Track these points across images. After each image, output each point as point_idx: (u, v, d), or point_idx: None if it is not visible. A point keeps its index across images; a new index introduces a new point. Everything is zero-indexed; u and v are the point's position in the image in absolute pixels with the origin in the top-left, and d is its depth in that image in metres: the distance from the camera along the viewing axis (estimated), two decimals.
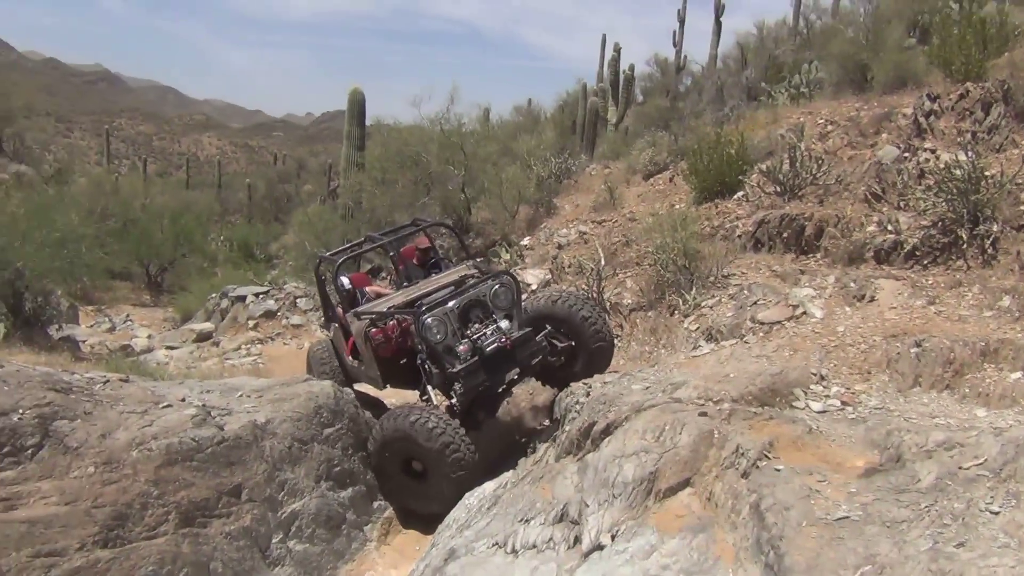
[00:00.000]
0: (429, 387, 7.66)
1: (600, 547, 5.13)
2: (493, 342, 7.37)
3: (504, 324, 7.60)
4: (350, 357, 8.70)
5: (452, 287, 8.03)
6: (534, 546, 5.46)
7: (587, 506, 5.45)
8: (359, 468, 7.38)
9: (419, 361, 7.65)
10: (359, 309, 8.23)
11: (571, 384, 7.50)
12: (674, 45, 36.36)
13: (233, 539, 5.66)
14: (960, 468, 4.82)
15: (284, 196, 52.28)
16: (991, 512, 4.21)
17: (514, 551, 5.47)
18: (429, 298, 7.77)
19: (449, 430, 6.95)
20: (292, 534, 6.21)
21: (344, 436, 7.35)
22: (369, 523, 7.18)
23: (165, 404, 6.32)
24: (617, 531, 5.21)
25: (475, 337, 7.45)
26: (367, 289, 9.06)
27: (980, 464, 4.79)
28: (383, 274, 17.13)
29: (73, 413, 5.76)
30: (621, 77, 31.45)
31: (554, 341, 7.97)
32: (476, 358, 7.31)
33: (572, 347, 8.04)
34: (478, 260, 9.53)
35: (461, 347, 7.35)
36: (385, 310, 7.91)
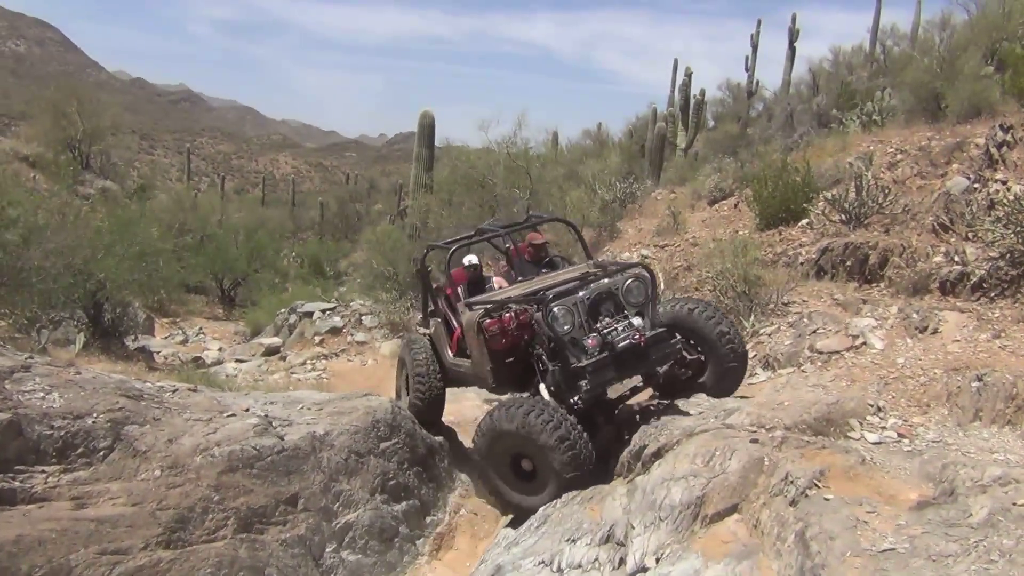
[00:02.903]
0: (542, 386, 7.12)
1: (644, 569, 5.17)
2: (625, 338, 6.85)
3: (637, 321, 7.10)
4: (451, 354, 8.30)
5: (577, 281, 7.42)
6: (579, 566, 5.52)
7: (633, 528, 5.49)
8: (414, 482, 7.52)
9: (534, 357, 7.22)
10: (473, 299, 7.81)
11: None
12: (746, 70, 36.27)
13: (288, 546, 5.84)
14: (1014, 504, 4.74)
15: (355, 215, 53.45)
16: None
17: (560, 570, 5.54)
18: (555, 288, 7.22)
19: (566, 425, 6.42)
20: (345, 544, 6.36)
21: (400, 450, 7.50)
22: (421, 537, 7.30)
23: (229, 413, 6.58)
24: (662, 554, 5.24)
25: (605, 331, 6.95)
26: (494, 279, 8.76)
27: None
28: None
29: (143, 419, 6.03)
30: (692, 102, 31.43)
31: (684, 353, 7.44)
32: (606, 354, 6.82)
33: (702, 362, 7.57)
34: (600, 260, 8.87)
35: (589, 341, 6.84)
36: (503, 300, 7.45)
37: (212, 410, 6.56)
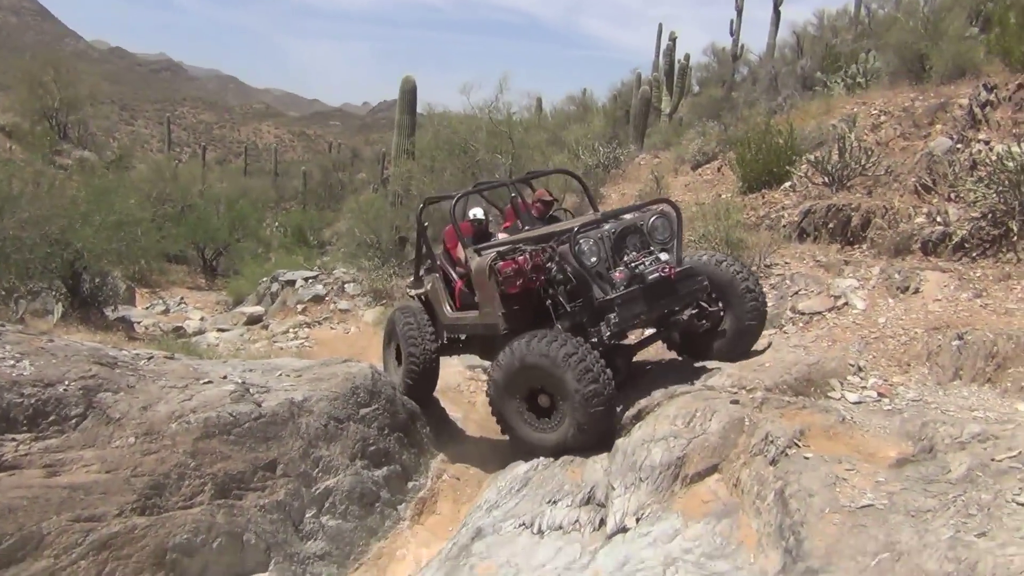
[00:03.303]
0: (558, 327, 6.80)
1: (624, 529, 5.16)
2: (654, 271, 6.60)
3: (664, 256, 6.86)
4: (450, 310, 7.99)
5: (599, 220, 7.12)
6: (560, 527, 5.50)
7: (613, 489, 5.48)
8: (395, 448, 7.48)
9: (551, 300, 6.86)
10: (481, 246, 7.59)
11: None
12: (731, 35, 35.97)
13: (267, 512, 5.79)
14: (992, 460, 4.74)
15: (338, 184, 53.08)
16: (1018, 503, 4.13)
17: (540, 531, 5.52)
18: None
19: (590, 358, 6.15)
20: (326, 510, 6.33)
21: (380, 416, 7.44)
22: (403, 503, 7.27)
23: (206, 380, 6.50)
24: (642, 514, 5.23)
25: (633, 265, 6.70)
26: (499, 234, 8.42)
27: (1014, 456, 4.71)
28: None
29: (117, 386, 5.94)
30: (676, 66, 31.21)
31: (705, 304, 7.23)
32: (636, 287, 6.56)
33: (720, 317, 7.31)
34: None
35: (617, 274, 6.61)
36: (517, 241, 7.21)
37: (188, 377, 6.48)
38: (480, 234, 8.27)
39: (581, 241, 6.58)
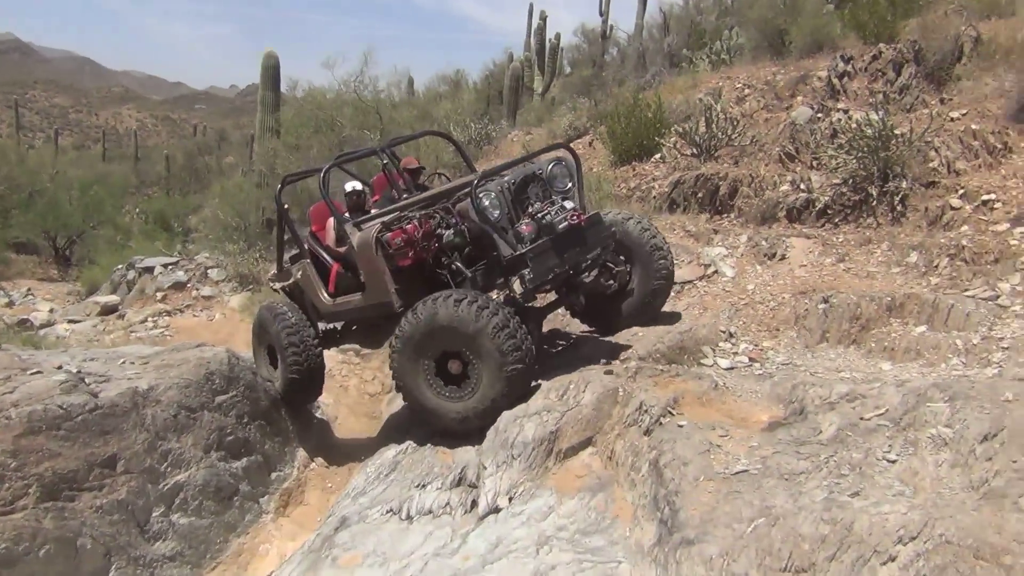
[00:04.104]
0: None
1: (497, 510, 4.91)
2: (562, 220, 6.09)
3: (569, 204, 6.37)
4: (327, 297, 7.18)
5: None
6: (430, 511, 5.21)
7: (485, 468, 5.21)
8: (256, 437, 7.02)
9: (446, 269, 6.29)
10: (362, 219, 6.83)
11: None
12: (600, 15, 36.20)
13: (105, 513, 5.26)
14: (861, 419, 4.72)
15: (204, 168, 50.90)
16: (888, 461, 4.11)
17: (409, 517, 5.21)
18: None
19: (504, 313, 5.62)
20: (176, 507, 5.83)
21: (239, 404, 6.95)
22: (266, 494, 6.84)
23: (34, 371, 5.86)
24: (515, 493, 4.99)
25: (539, 215, 6.17)
26: (368, 206, 7.60)
27: (881, 414, 4.69)
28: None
29: None
30: (547, 46, 31.21)
31: (611, 264, 6.78)
32: (546, 238, 6.05)
33: (628, 279, 6.94)
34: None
35: (524, 227, 6.06)
36: (402, 208, 6.56)
37: (11, 368, 5.83)
38: (358, 208, 7.49)
39: (482, 195, 6.06)
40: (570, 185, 6.65)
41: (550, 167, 6.59)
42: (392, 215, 6.51)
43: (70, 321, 16.03)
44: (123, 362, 6.73)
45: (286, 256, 8.17)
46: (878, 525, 3.39)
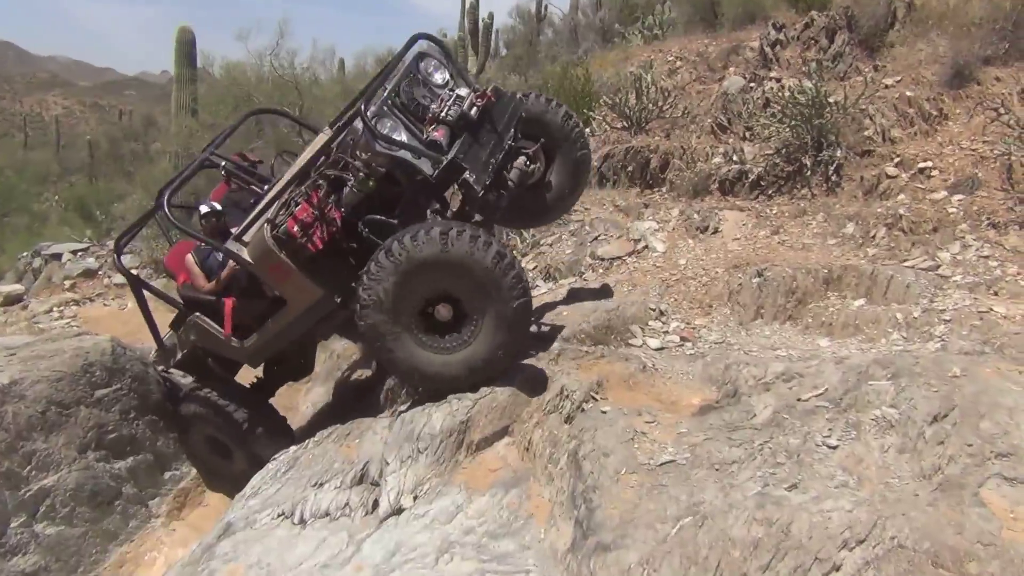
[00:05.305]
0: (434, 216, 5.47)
1: (399, 511, 4.37)
2: (471, 105, 5.28)
3: (462, 90, 5.52)
4: (236, 339, 6.08)
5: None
6: (326, 514, 4.64)
7: (388, 464, 4.66)
8: (145, 434, 6.35)
9: (368, 225, 5.32)
10: (238, 231, 5.68)
11: None
12: None
13: None
14: (799, 400, 4.30)
15: (130, 154, 49.11)
16: (828, 446, 3.66)
17: (302, 521, 4.63)
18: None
19: (487, 235, 4.84)
20: (41, 515, 5.16)
21: (124, 398, 6.26)
22: (156, 496, 6.21)
23: None
24: (420, 491, 4.47)
25: (442, 114, 5.28)
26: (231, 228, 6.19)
27: (820, 395, 4.28)
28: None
29: None
30: (480, 26, 30.55)
31: (523, 149, 5.85)
32: (464, 135, 5.25)
33: (549, 156, 6.20)
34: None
35: (436, 132, 5.21)
36: (280, 193, 5.51)
37: None
38: (220, 232, 6.18)
39: (377, 123, 5.15)
40: (449, 75, 5.87)
41: (419, 64, 5.74)
42: (271, 209, 5.52)
43: None
44: None
45: (164, 334, 6.89)
46: (819, 526, 2.93)
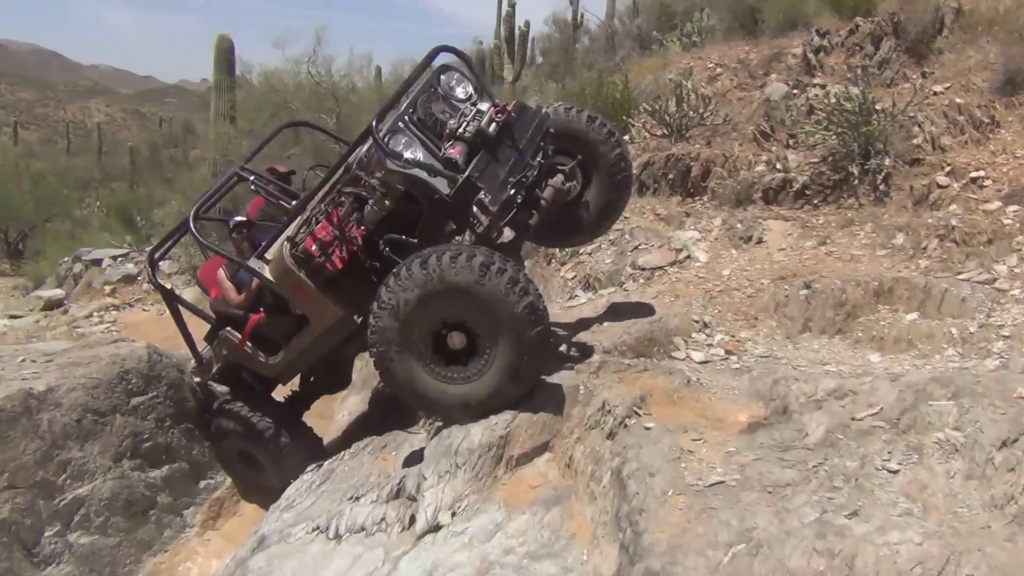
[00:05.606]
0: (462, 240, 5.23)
1: (436, 528, 4.24)
2: (489, 121, 5.10)
3: (483, 105, 5.37)
4: (262, 356, 6.05)
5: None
6: (362, 529, 4.53)
7: (426, 479, 4.54)
8: (181, 442, 6.30)
9: (387, 244, 5.19)
10: (260, 251, 5.65)
11: None
12: (571, 2, 35.54)
13: None
14: (853, 419, 4.12)
15: (170, 161, 49.73)
16: (888, 471, 3.48)
17: (337, 536, 4.53)
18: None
19: (501, 260, 4.56)
20: (75, 525, 5.11)
21: (160, 406, 6.22)
22: (192, 506, 6.16)
23: None
24: (458, 508, 4.34)
25: (460, 132, 5.09)
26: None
27: (875, 414, 4.09)
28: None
29: None
30: (517, 33, 30.52)
31: (559, 166, 5.69)
32: (481, 152, 5.05)
33: (587, 176, 5.92)
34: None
35: (453, 150, 5.01)
36: (296, 213, 5.50)
37: None
38: (252, 243, 6.24)
39: (389, 139, 4.99)
40: (471, 89, 5.68)
41: (440, 77, 5.58)
42: (292, 226, 5.52)
43: (11, 316, 15.22)
44: (22, 360, 5.98)
45: (201, 347, 6.79)
46: (887, 560, 2.75)
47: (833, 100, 8.50)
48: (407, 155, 5.02)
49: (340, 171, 5.63)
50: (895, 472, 3.45)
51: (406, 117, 5.23)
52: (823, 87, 9.75)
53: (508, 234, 5.69)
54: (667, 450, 4.07)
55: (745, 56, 12.65)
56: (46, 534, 4.93)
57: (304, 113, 16.22)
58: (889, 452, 3.63)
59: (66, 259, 17.37)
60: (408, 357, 4.77)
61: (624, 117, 11.47)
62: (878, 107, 8.17)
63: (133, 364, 6.17)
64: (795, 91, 10.00)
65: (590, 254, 8.59)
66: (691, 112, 10.43)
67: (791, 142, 9.19)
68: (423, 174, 5.02)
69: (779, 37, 13.11)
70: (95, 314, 14.77)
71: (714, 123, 10.36)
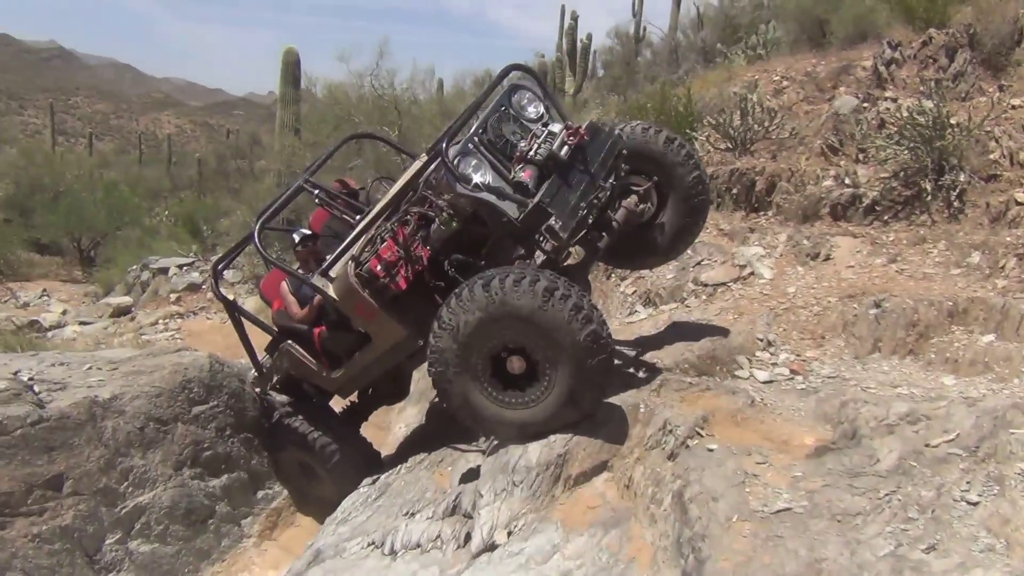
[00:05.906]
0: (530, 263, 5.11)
1: (492, 547, 4.18)
2: (561, 144, 4.98)
3: (555, 126, 5.23)
4: (327, 369, 6.08)
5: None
6: (417, 546, 4.50)
7: (482, 496, 4.48)
8: (240, 452, 6.36)
9: (452, 265, 5.16)
10: (324, 267, 5.65)
11: None
12: (633, 15, 35.39)
13: (44, 542, 4.61)
14: (927, 446, 3.93)
15: (237, 172, 50.75)
16: (968, 502, 3.30)
17: (392, 552, 4.50)
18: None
19: (565, 286, 4.43)
20: (136, 533, 5.17)
21: (221, 415, 6.28)
22: (249, 516, 6.19)
23: None
24: (515, 527, 4.26)
25: (530, 155, 5.02)
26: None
27: (951, 440, 3.90)
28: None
29: None
30: (579, 46, 30.51)
31: (635, 187, 5.60)
32: (552, 176, 4.96)
33: (662, 196, 5.75)
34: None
35: (524, 174, 4.94)
36: (361, 232, 5.48)
37: None
38: (316, 257, 6.31)
39: (458, 161, 4.95)
40: (543, 109, 5.59)
41: (512, 97, 5.50)
42: (357, 244, 5.49)
43: (81, 323, 15.68)
44: (89, 368, 6.08)
45: (261, 356, 6.84)
46: None
47: (906, 114, 8.24)
48: (476, 179, 4.96)
49: (403, 188, 5.60)
50: (975, 504, 3.28)
51: (476, 138, 5.17)
52: (895, 100, 9.49)
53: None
54: (731, 473, 3.94)
55: (812, 68, 12.39)
56: (107, 541, 4.99)
57: (366, 125, 16.39)
58: (968, 482, 3.44)
59: (134, 267, 17.82)
60: (466, 379, 4.68)
61: (687, 130, 11.31)
62: (952, 121, 7.91)
63: (195, 373, 6.25)
64: (865, 104, 9.75)
65: (651, 270, 8.46)
66: (756, 125, 10.25)
67: (860, 156, 8.95)
68: (492, 198, 4.93)
69: (848, 49, 12.83)
70: (160, 321, 15.11)
71: (780, 137, 10.16)
